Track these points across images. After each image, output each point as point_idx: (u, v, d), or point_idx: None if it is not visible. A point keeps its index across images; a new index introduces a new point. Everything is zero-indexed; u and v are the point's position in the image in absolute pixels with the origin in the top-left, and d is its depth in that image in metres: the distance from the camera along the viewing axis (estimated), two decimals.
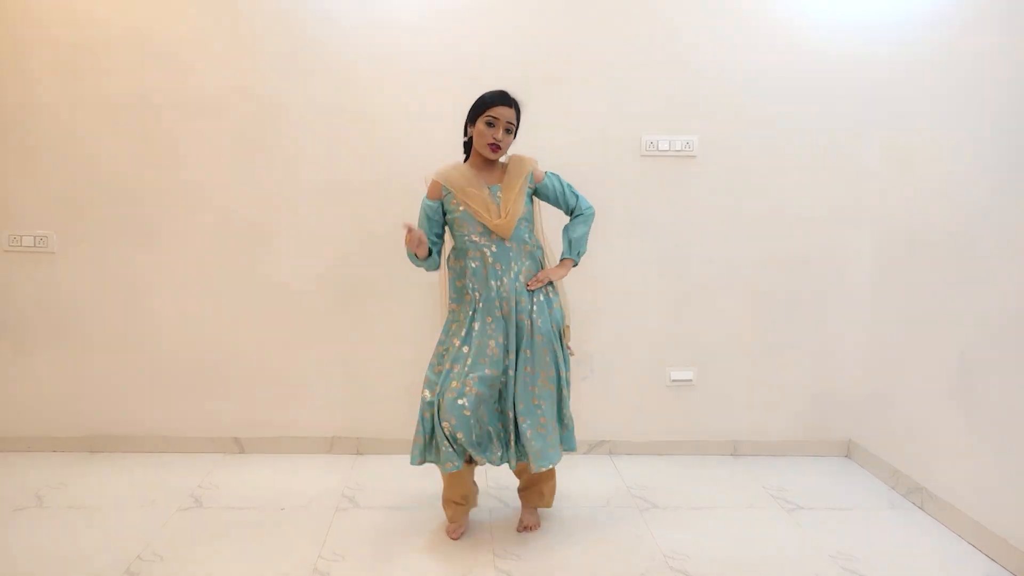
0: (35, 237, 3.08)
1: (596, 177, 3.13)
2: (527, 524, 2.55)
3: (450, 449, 2.31)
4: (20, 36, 2.98)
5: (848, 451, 3.36)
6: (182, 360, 3.18)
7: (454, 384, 2.31)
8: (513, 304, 2.37)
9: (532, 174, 2.44)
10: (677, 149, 3.14)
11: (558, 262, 2.53)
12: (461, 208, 2.36)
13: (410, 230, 2.27)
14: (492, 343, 2.35)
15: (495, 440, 2.40)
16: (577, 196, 2.52)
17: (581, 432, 3.27)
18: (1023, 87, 2.37)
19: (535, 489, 2.58)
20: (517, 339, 2.38)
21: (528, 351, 2.38)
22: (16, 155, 3.04)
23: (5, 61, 2.99)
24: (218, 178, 3.09)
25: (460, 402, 2.28)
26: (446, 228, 2.48)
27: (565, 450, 2.48)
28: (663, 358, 3.28)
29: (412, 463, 2.40)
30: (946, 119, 2.74)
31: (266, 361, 3.20)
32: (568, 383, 2.49)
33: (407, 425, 3.19)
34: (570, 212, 2.53)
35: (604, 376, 3.27)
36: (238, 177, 3.09)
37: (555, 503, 2.70)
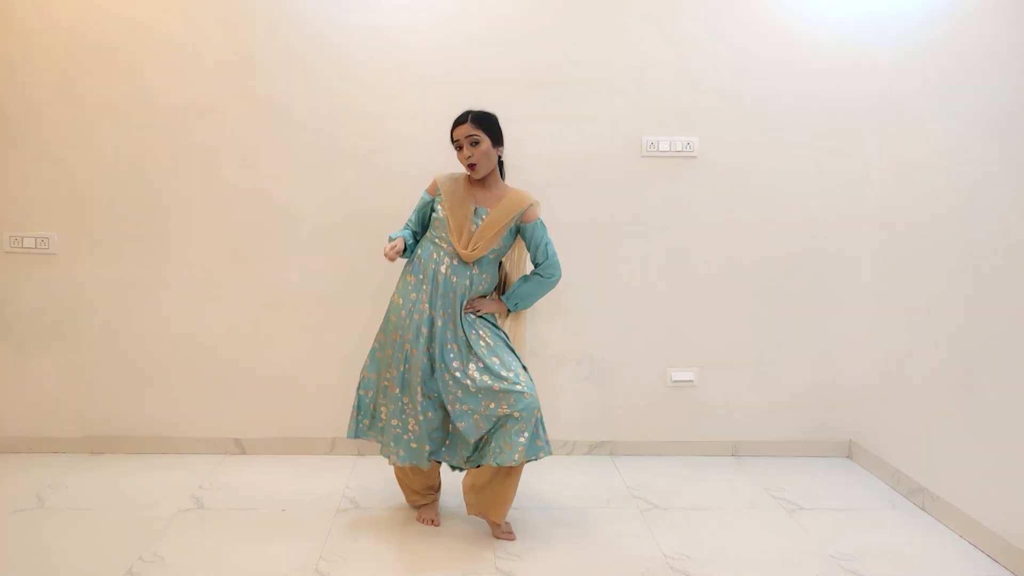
0: (36, 238, 3.08)
1: (597, 177, 3.13)
2: (497, 534, 2.52)
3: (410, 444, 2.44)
4: (21, 37, 2.98)
5: (849, 452, 3.35)
6: (183, 361, 3.18)
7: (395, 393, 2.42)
8: (451, 317, 2.42)
9: (524, 213, 2.46)
10: (678, 149, 3.14)
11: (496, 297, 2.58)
12: (443, 215, 2.45)
13: (392, 249, 2.41)
14: (426, 355, 2.42)
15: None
16: (548, 257, 2.49)
17: (583, 431, 3.30)
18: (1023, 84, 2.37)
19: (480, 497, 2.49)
20: (459, 352, 2.42)
21: (490, 358, 2.40)
22: (17, 156, 3.04)
23: (7, 61, 2.99)
24: (219, 180, 3.09)
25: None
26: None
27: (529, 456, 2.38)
28: (664, 358, 3.28)
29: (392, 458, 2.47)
30: (947, 118, 2.73)
31: (267, 362, 3.20)
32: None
33: None
34: (535, 264, 2.53)
35: (605, 376, 3.27)
36: (239, 179, 3.09)
37: (556, 503, 2.71)
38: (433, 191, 2.50)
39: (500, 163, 2.53)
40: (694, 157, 3.16)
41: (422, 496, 2.63)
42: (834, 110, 3.15)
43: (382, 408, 2.49)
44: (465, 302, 2.45)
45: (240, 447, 3.25)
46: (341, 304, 3.18)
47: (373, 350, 2.53)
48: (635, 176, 3.16)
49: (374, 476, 3.01)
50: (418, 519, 2.61)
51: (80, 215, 3.08)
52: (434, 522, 2.59)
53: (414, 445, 2.43)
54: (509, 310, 2.56)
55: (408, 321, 2.41)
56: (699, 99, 3.13)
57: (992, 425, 2.47)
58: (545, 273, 2.51)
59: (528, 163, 3.01)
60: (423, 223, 2.55)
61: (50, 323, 3.13)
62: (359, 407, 2.54)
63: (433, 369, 2.42)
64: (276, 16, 3.01)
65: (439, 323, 2.41)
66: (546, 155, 3.05)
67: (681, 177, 3.18)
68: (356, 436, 2.55)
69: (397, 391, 2.42)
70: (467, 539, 2.51)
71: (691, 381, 3.29)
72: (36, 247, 3.08)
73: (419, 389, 2.40)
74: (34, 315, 3.13)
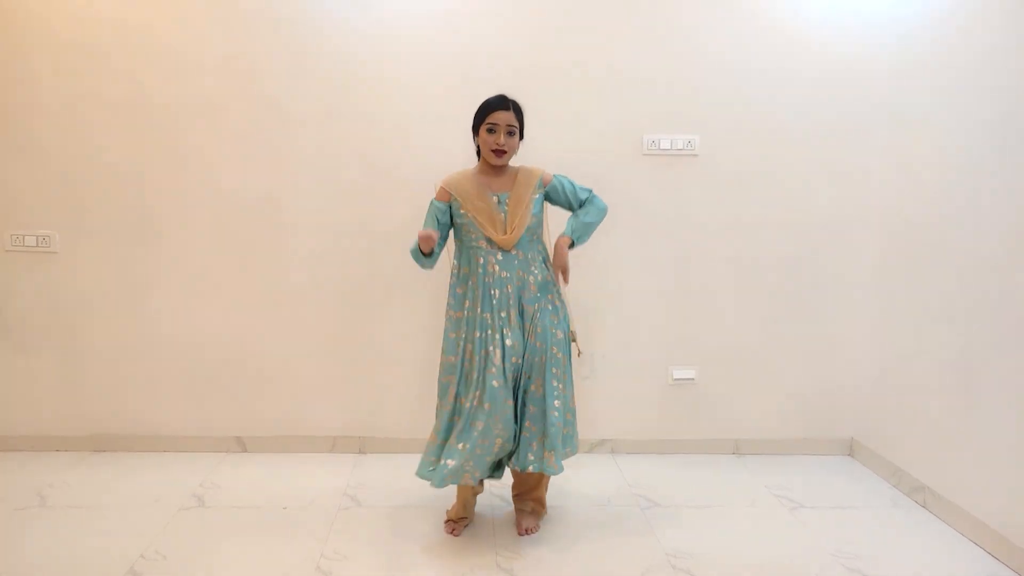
0: (38, 237, 3.08)
1: (598, 176, 3.10)
2: (526, 527, 2.54)
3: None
4: (22, 36, 2.98)
5: (851, 450, 3.35)
6: (184, 360, 3.19)
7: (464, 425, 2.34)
8: (518, 311, 2.38)
9: (541, 179, 2.44)
10: (679, 148, 3.14)
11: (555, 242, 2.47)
12: (469, 216, 2.37)
13: (429, 235, 2.29)
14: (498, 353, 2.34)
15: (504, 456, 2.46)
16: (590, 191, 2.50)
17: (583, 431, 3.29)
18: None
19: (528, 495, 2.58)
20: (523, 345, 2.38)
21: (529, 356, 2.38)
22: (19, 155, 3.04)
23: (7, 61, 2.99)
24: (220, 178, 3.09)
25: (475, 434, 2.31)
26: (452, 231, 2.49)
27: (567, 452, 2.46)
28: (665, 357, 3.28)
29: (438, 485, 2.35)
30: (948, 117, 2.73)
31: (269, 360, 3.20)
32: (570, 386, 2.48)
33: (410, 424, 3.20)
34: (581, 204, 2.49)
35: (606, 375, 3.27)
36: (240, 177, 3.09)
37: (558, 502, 2.71)
38: (446, 197, 2.40)
39: None
40: (695, 155, 3.16)
41: (471, 508, 2.60)
42: (837, 108, 3.14)
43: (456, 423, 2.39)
44: (537, 288, 2.40)
45: (241, 445, 3.25)
46: (342, 303, 3.18)
47: (441, 383, 2.46)
48: (636, 174, 3.16)
49: (375, 474, 3.02)
50: (446, 526, 2.55)
51: (81, 214, 3.08)
52: (455, 532, 2.53)
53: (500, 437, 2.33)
54: (573, 243, 2.44)
55: (476, 321, 2.37)
56: (700, 97, 3.13)
57: (993, 423, 2.47)
58: (599, 205, 2.48)
59: (528, 160, 3.00)
60: (443, 234, 2.44)
61: (52, 321, 3.14)
62: (435, 448, 2.42)
63: (507, 368, 2.35)
64: (274, 16, 3.01)
65: (501, 321, 2.36)
66: (547, 153, 3.04)
67: (682, 175, 3.17)
68: (432, 479, 2.39)
69: (479, 393, 2.34)
70: (468, 537, 2.52)
71: (692, 379, 3.29)
72: (37, 246, 3.08)
73: (496, 371, 2.33)
74: (36, 313, 3.13)
